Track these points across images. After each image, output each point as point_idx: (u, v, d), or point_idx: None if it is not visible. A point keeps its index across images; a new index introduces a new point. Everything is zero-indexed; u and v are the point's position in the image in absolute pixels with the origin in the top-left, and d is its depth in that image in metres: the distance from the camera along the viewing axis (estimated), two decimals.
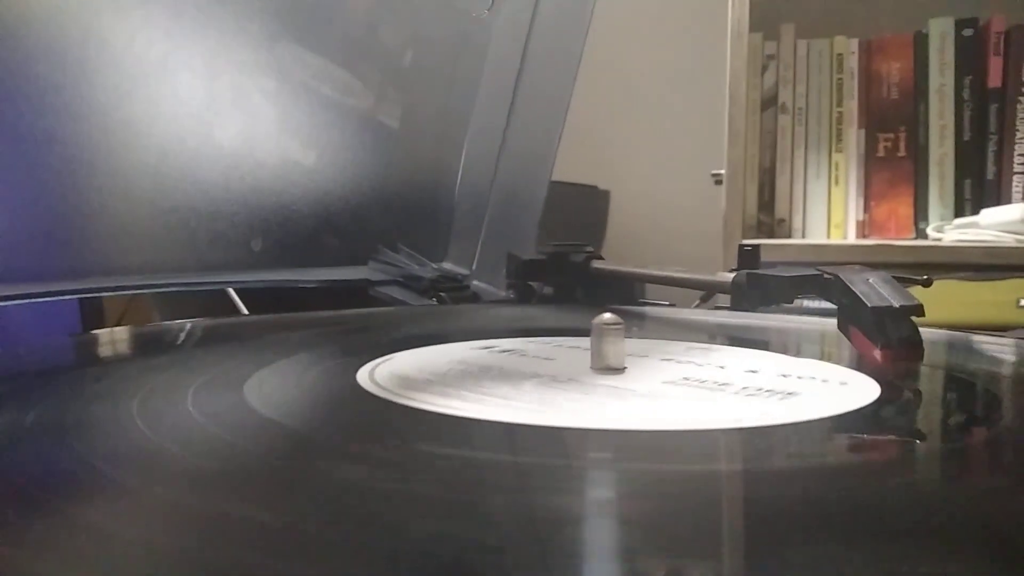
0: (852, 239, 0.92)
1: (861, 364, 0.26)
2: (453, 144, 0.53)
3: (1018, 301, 0.77)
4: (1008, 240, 0.83)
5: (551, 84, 0.52)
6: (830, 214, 0.93)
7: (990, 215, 0.85)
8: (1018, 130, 0.87)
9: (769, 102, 0.94)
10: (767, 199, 0.94)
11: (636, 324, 0.38)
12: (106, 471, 0.16)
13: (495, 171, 0.52)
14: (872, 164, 0.92)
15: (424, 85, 0.52)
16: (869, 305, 0.25)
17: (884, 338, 0.25)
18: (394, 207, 0.51)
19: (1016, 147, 0.87)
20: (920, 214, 0.91)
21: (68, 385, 0.25)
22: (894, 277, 0.27)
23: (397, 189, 0.51)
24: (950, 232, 0.87)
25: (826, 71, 0.92)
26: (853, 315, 0.27)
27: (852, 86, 0.92)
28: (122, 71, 0.39)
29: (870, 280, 0.27)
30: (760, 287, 0.31)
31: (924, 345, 0.25)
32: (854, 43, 0.92)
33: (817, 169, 0.93)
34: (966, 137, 0.89)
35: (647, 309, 0.42)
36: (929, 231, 0.89)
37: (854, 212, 0.92)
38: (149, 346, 0.33)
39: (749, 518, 0.14)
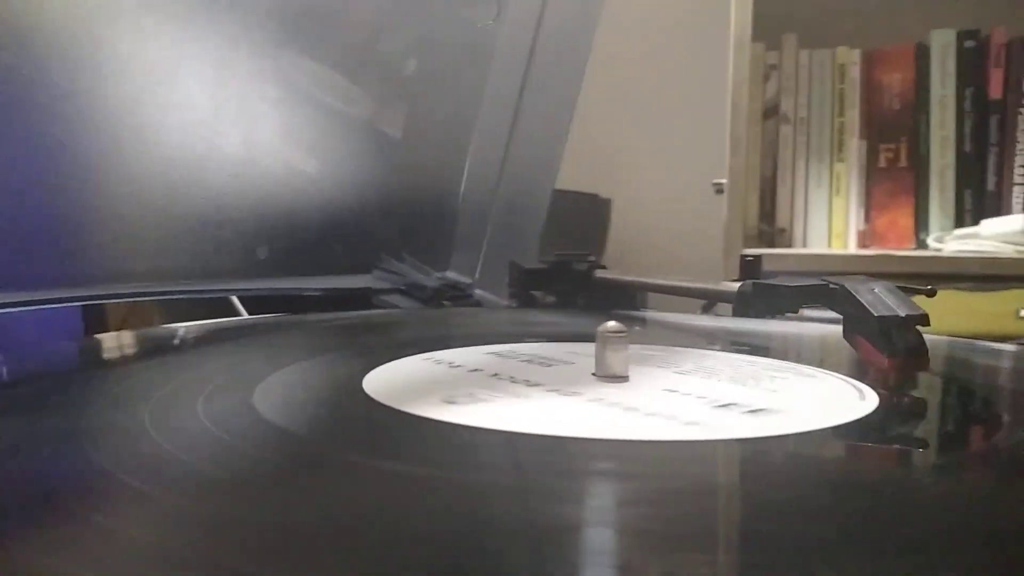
0: (853, 249, 0.92)
1: (864, 373, 0.26)
2: (457, 153, 0.53)
3: (1018, 312, 0.77)
4: (1008, 251, 0.83)
5: (556, 93, 0.52)
6: (831, 224, 0.93)
7: (990, 226, 0.85)
8: (1019, 141, 0.87)
9: (771, 111, 0.95)
10: (768, 208, 0.95)
11: (651, 331, 0.38)
12: (117, 475, 0.16)
13: (499, 180, 0.53)
14: (873, 174, 0.92)
15: (428, 94, 0.52)
16: (875, 315, 0.26)
17: (891, 347, 0.25)
18: (398, 215, 0.51)
19: (1016, 158, 0.88)
20: (921, 224, 0.91)
21: (76, 390, 0.25)
22: (898, 287, 0.28)
23: (401, 198, 0.51)
24: (950, 243, 0.87)
25: (828, 81, 0.93)
26: (859, 325, 0.27)
27: (854, 96, 0.92)
28: (131, 80, 0.39)
29: (875, 290, 0.27)
30: (766, 297, 0.31)
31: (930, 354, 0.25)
32: (856, 53, 0.92)
33: (818, 179, 0.93)
34: (967, 148, 0.89)
35: (662, 316, 0.42)
36: (930, 241, 0.89)
37: (855, 222, 0.92)
38: (154, 350, 0.33)
39: (654, 535, 0.14)
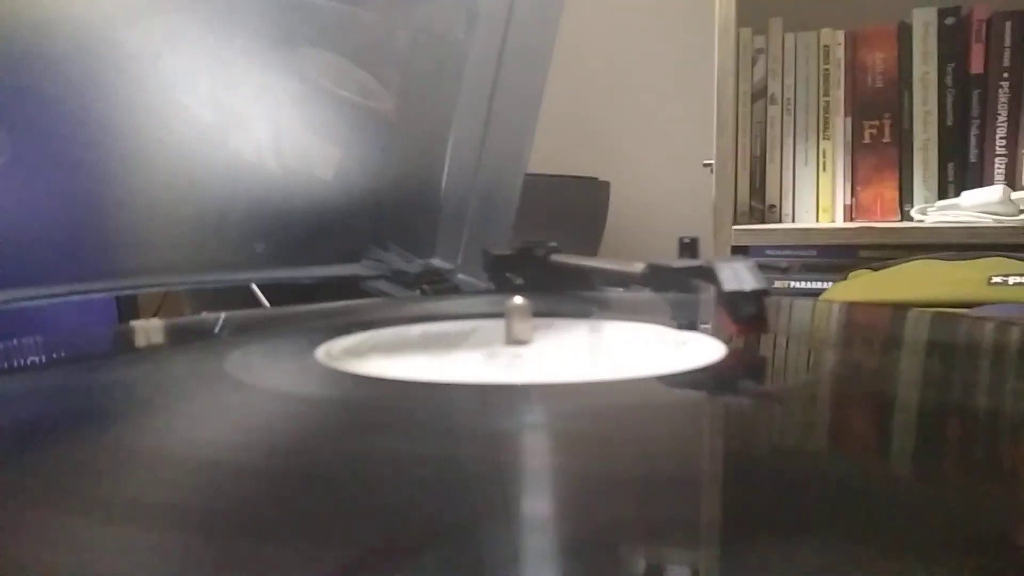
0: (840, 223, 0.96)
1: (726, 336, 0.32)
2: (437, 151, 0.59)
3: (989, 279, 0.80)
4: (987, 220, 0.87)
5: (522, 96, 0.58)
6: (819, 199, 0.97)
7: (970, 197, 0.88)
8: (999, 114, 0.91)
9: (760, 93, 0.99)
10: (759, 186, 0.99)
11: (569, 305, 0.44)
12: (117, 422, 0.23)
13: (475, 174, 0.59)
14: (858, 150, 0.96)
15: (410, 98, 0.58)
16: (724, 288, 0.31)
17: (736, 315, 0.31)
18: (385, 210, 0.58)
19: (997, 131, 0.91)
20: (905, 197, 0.95)
21: (93, 364, 0.32)
22: (758, 265, 0.33)
23: (389, 194, 0.58)
24: (933, 214, 0.91)
25: (813, 62, 0.97)
26: (719, 297, 0.33)
27: (838, 76, 0.96)
28: (133, 95, 0.46)
29: (735, 267, 0.33)
30: (659, 275, 0.37)
31: (770, 321, 0.31)
32: (840, 34, 0.96)
33: (806, 156, 0.97)
34: (949, 122, 0.93)
35: (587, 294, 0.48)
36: (913, 213, 0.93)
37: (842, 197, 0.96)
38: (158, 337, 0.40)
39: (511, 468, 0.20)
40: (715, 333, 0.33)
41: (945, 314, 0.43)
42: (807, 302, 0.46)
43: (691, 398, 0.25)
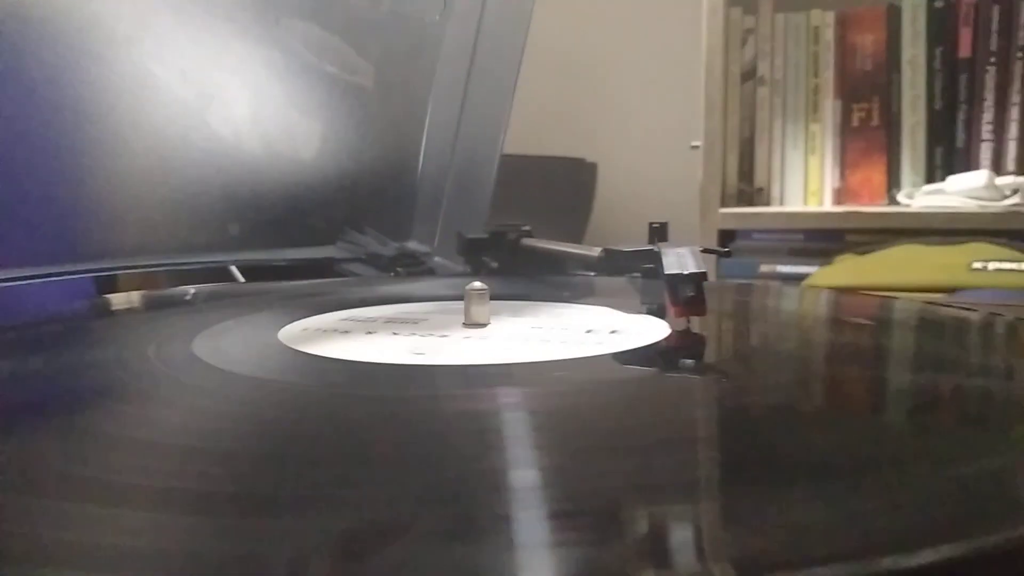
0: (828, 206, 0.96)
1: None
2: (414, 133, 0.60)
3: (970, 264, 0.81)
4: (971, 205, 0.87)
5: (497, 79, 0.58)
6: (807, 182, 0.97)
7: (956, 182, 0.88)
8: (986, 99, 0.90)
9: (749, 74, 0.99)
10: (747, 168, 0.99)
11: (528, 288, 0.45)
12: (90, 398, 0.24)
13: (451, 158, 0.59)
14: (847, 133, 0.96)
15: (387, 80, 0.59)
16: (665, 272, 0.32)
17: (675, 298, 0.32)
18: (361, 192, 0.58)
19: (984, 115, 0.91)
20: (893, 181, 0.95)
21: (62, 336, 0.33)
22: (703, 250, 0.34)
23: (365, 176, 0.59)
24: (919, 198, 0.91)
25: (803, 44, 0.97)
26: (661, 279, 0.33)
27: (828, 58, 0.96)
28: (114, 86, 0.47)
29: (679, 252, 0.33)
30: (613, 260, 0.37)
31: (708, 304, 0.32)
32: (830, 16, 0.96)
33: (795, 139, 0.97)
34: (937, 106, 0.92)
35: (552, 278, 0.49)
36: (900, 197, 0.93)
37: (830, 180, 0.97)
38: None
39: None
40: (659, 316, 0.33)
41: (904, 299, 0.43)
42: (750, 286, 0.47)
43: (611, 376, 0.26)
